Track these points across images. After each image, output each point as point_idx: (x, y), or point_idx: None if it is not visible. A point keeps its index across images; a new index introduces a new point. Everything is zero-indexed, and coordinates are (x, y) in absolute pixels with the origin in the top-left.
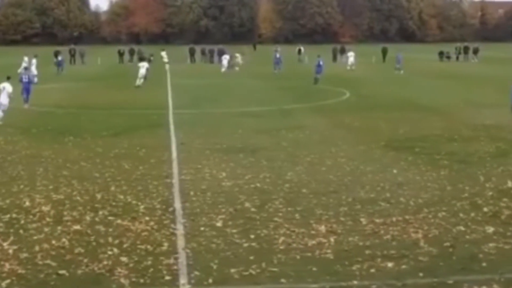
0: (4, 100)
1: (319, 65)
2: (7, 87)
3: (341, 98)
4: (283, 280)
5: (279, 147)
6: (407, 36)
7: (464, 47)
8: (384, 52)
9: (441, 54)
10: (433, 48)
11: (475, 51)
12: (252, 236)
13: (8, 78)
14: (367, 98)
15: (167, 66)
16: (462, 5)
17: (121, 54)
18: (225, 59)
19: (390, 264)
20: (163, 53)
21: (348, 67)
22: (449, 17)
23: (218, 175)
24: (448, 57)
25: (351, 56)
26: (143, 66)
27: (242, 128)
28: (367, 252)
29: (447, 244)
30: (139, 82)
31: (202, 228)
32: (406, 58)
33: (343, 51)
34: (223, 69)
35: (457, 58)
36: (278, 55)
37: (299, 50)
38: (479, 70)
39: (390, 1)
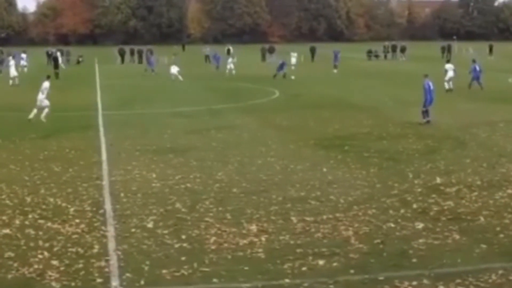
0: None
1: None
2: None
3: (271, 98)
4: (215, 280)
5: (209, 147)
6: (335, 35)
7: (392, 45)
8: (313, 51)
9: (369, 53)
10: (361, 47)
11: (403, 50)
12: (183, 237)
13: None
14: (297, 97)
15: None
16: (389, 4)
17: (49, 55)
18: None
19: (321, 262)
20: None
21: (293, 67)
22: (376, 16)
23: (148, 176)
24: (377, 56)
25: (293, 57)
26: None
27: (172, 128)
28: (298, 250)
29: (378, 241)
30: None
31: (133, 230)
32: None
33: (271, 51)
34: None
35: (385, 56)
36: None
37: (228, 50)
38: (407, 68)
39: (318, 1)
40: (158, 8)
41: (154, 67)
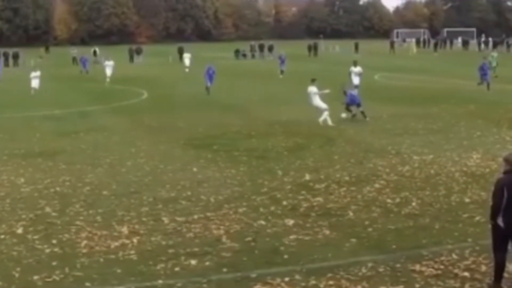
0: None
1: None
2: None
3: (140, 98)
4: (87, 284)
5: (78, 150)
6: (203, 35)
7: (259, 45)
8: (181, 51)
9: (237, 52)
10: (229, 46)
11: (270, 49)
12: (54, 241)
13: None
14: (166, 97)
15: None
16: (257, 4)
17: None
18: None
19: (193, 262)
20: None
21: (186, 69)
22: (244, 15)
23: (17, 181)
24: (244, 55)
25: (186, 58)
26: None
27: (40, 132)
28: (170, 251)
29: (249, 238)
30: None
31: (2, 236)
32: (202, 57)
33: (139, 52)
34: None
35: (253, 56)
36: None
37: (95, 52)
38: (275, 67)
39: (185, 1)
40: (24, 10)
41: None
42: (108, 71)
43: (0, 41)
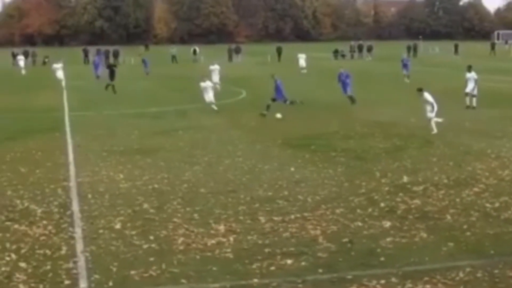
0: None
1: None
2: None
3: (238, 98)
4: (183, 281)
5: (176, 148)
6: (301, 35)
7: (358, 45)
8: (279, 51)
9: (335, 52)
10: (328, 46)
11: (369, 49)
12: (151, 237)
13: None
14: (264, 97)
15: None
16: (356, 4)
17: (14, 56)
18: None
19: (289, 261)
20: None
21: (303, 71)
22: (343, 15)
23: (116, 177)
24: (343, 55)
25: (301, 58)
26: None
27: (139, 129)
28: (266, 250)
29: (346, 239)
30: None
31: (101, 231)
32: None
33: (238, 51)
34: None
35: (352, 56)
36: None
37: (194, 51)
38: (373, 68)
39: (284, 1)
40: (124, 9)
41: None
42: (215, 77)
43: (101, 39)
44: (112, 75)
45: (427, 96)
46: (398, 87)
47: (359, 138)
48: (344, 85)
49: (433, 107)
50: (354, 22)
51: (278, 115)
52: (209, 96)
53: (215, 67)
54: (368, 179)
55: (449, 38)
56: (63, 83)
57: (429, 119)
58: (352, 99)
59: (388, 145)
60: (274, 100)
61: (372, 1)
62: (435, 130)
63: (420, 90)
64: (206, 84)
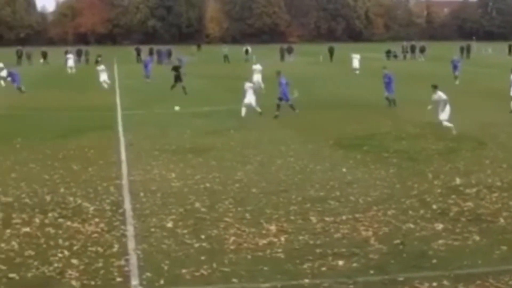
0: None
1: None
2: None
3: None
4: (234, 280)
5: (228, 147)
6: (353, 35)
7: (410, 46)
8: (331, 51)
9: (388, 53)
10: (380, 47)
11: (422, 50)
12: (203, 236)
13: None
14: (316, 97)
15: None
16: (408, 4)
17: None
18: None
19: (340, 262)
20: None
21: (357, 72)
22: (395, 16)
23: (168, 176)
24: (395, 56)
25: (355, 59)
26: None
27: (191, 128)
28: (317, 250)
29: (397, 241)
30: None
31: (152, 229)
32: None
33: (290, 51)
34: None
35: (404, 57)
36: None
37: (246, 50)
38: (426, 68)
39: (336, 1)
40: (177, 8)
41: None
42: (257, 77)
43: (153, 38)
44: (177, 77)
45: (441, 94)
46: (451, 88)
47: (411, 139)
48: (386, 86)
49: (445, 107)
50: (406, 23)
51: (176, 108)
52: (248, 98)
53: (257, 67)
54: (421, 180)
55: (503, 39)
56: (105, 85)
57: (440, 121)
58: (390, 101)
59: (441, 146)
60: (281, 99)
61: (425, 2)
62: (454, 131)
63: (435, 87)
64: (247, 85)
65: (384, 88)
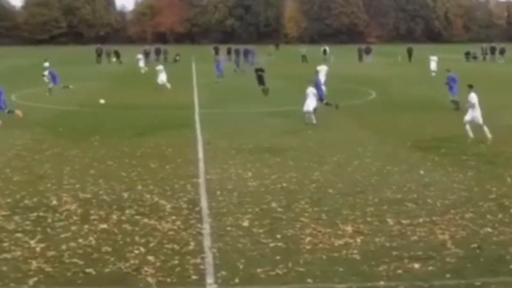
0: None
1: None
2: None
3: (367, 98)
4: (309, 280)
5: (305, 147)
6: (432, 36)
7: (490, 47)
8: (410, 52)
9: (467, 54)
10: (459, 48)
11: (502, 52)
12: (279, 236)
13: None
14: (393, 98)
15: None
16: (488, 5)
17: (146, 53)
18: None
19: (417, 265)
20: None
21: (433, 74)
22: (475, 17)
23: (244, 175)
24: (475, 58)
25: (433, 61)
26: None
27: (268, 128)
28: (393, 253)
29: (474, 245)
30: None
31: (228, 228)
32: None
33: (368, 51)
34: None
35: (484, 58)
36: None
37: (324, 50)
38: (506, 70)
39: (415, 1)
40: (255, 8)
41: (222, 74)
42: (321, 78)
43: (232, 37)
44: (260, 79)
45: (472, 96)
46: None
47: (490, 142)
48: (450, 89)
49: (473, 110)
50: (486, 24)
51: (102, 101)
52: (308, 104)
53: (322, 68)
54: (499, 184)
55: None
56: (168, 86)
57: (465, 123)
58: (455, 103)
59: None
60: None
61: (505, 2)
62: (470, 137)
63: (471, 87)
64: (309, 90)
65: (449, 91)
